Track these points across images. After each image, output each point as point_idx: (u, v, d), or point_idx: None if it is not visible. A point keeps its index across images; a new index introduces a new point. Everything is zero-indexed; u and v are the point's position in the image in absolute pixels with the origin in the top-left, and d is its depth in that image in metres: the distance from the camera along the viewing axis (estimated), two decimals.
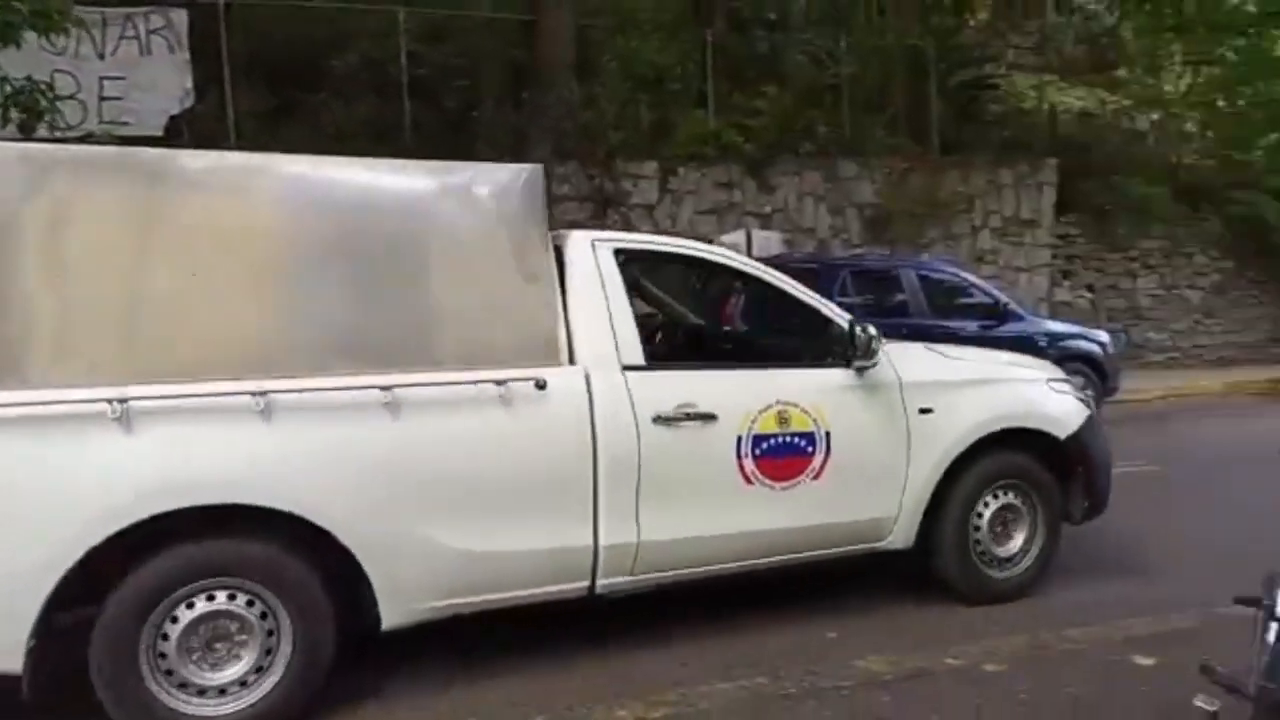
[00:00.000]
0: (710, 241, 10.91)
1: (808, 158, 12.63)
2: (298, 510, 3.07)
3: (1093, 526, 4.69)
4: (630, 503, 3.52)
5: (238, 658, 3.08)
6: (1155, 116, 15.35)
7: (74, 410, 2.82)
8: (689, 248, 4.12)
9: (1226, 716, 2.24)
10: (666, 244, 4.13)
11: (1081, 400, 4.53)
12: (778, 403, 3.79)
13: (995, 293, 9.66)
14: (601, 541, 3.50)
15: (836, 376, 3.94)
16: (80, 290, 2.95)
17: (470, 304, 3.43)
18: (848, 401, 3.93)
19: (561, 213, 11.64)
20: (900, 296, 9.05)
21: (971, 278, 9.97)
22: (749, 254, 9.88)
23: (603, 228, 11.88)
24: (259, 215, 3.23)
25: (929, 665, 3.53)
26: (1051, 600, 4.31)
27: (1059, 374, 4.67)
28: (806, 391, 3.87)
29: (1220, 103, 15.01)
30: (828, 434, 3.85)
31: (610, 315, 3.61)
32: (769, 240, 10.38)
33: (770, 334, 4.30)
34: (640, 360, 3.62)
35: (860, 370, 3.94)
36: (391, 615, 3.24)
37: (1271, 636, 2.41)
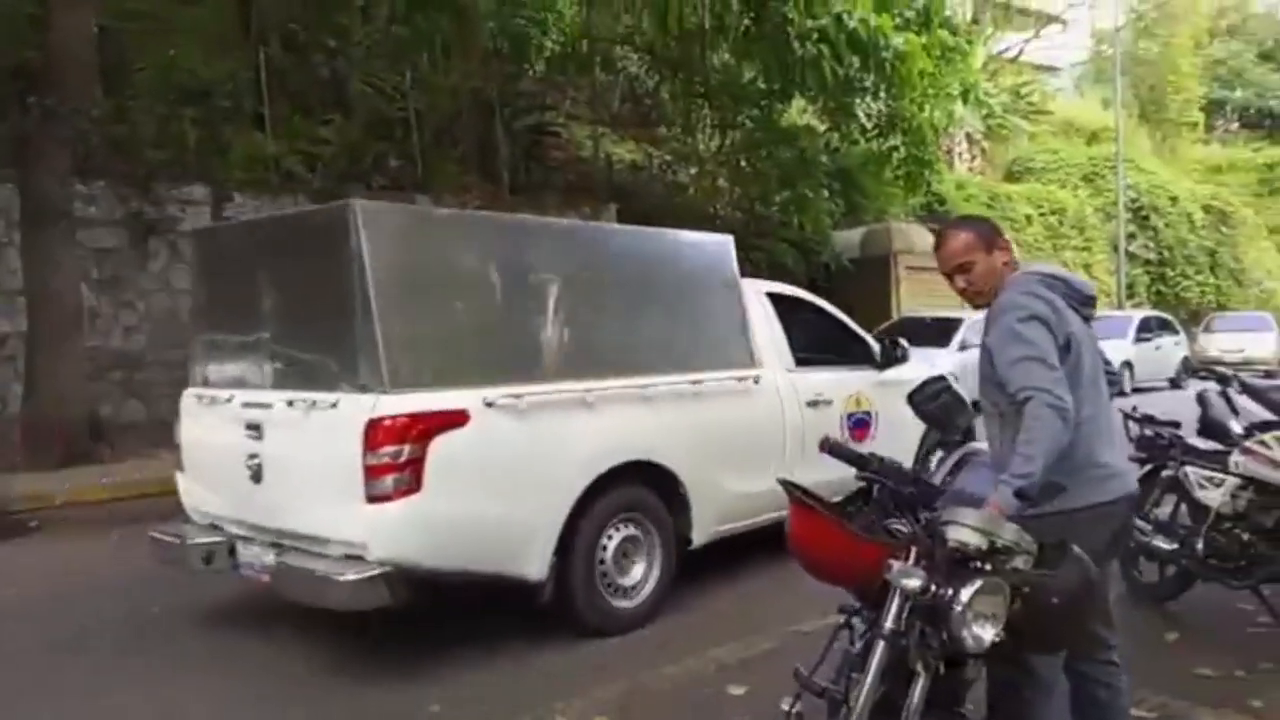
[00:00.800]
0: None
1: (380, 191, 12.16)
2: (666, 464, 4.53)
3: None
4: (798, 458, 5.05)
5: (633, 569, 4.44)
6: (693, 171, 17.15)
7: (567, 398, 4.19)
8: (791, 291, 6.05)
9: (814, 715, 2.31)
10: (782, 289, 5.98)
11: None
12: (854, 392, 5.76)
13: None
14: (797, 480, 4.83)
15: (873, 375, 5.94)
16: (562, 326, 4.32)
17: (713, 327, 5.07)
18: (879, 391, 5.86)
19: (92, 239, 9.93)
20: None
21: None
22: None
23: (145, 256, 10.36)
24: (633, 272, 4.79)
25: None
26: (643, 639, 4.31)
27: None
28: (863, 384, 5.84)
29: (743, 163, 17.13)
30: (876, 412, 5.83)
31: (773, 335, 5.39)
32: None
33: (834, 348, 6.06)
34: (792, 365, 5.45)
35: (881, 370, 5.94)
36: (698, 538, 4.72)
37: (842, 643, 2.51)
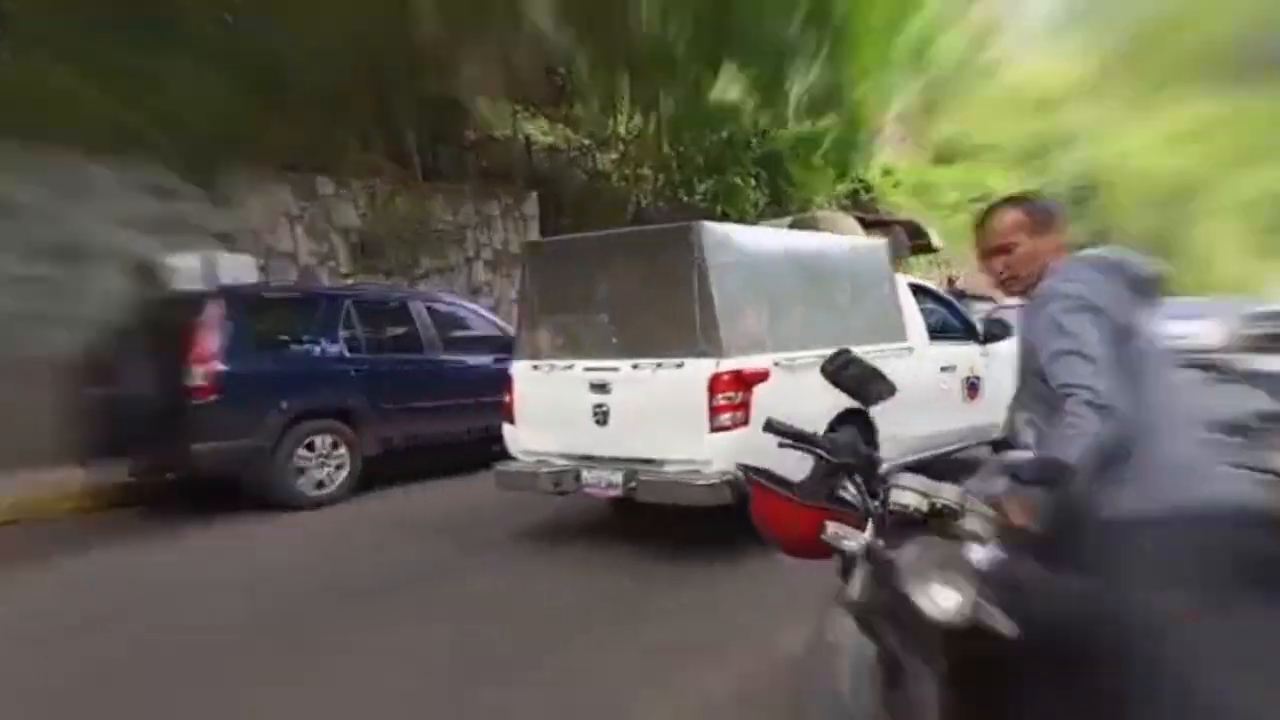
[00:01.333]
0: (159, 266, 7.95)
1: (277, 170, 10.14)
2: (869, 410, 5.61)
3: None
4: (939, 410, 6.77)
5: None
6: (614, 157, 15.70)
7: (814, 361, 5.01)
8: (923, 283, 7.75)
9: None
10: (917, 281, 7.67)
11: None
12: (969, 361, 7.31)
13: (505, 325, 8.73)
14: (938, 428, 6.79)
15: (978, 348, 7.40)
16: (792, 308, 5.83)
17: (882, 310, 6.62)
18: (983, 361, 7.38)
19: None
20: (409, 329, 8.09)
21: (482, 311, 9.12)
22: (216, 282, 7.29)
23: None
24: (841, 271, 6.39)
25: None
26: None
27: None
28: (973, 355, 7.37)
29: (665, 149, 15.79)
30: (981, 377, 7.34)
31: (915, 316, 6.96)
32: (241, 266, 7.79)
33: (951, 327, 7.42)
34: (928, 339, 7.04)
35: (984, 345, 7.39)
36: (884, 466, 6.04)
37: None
